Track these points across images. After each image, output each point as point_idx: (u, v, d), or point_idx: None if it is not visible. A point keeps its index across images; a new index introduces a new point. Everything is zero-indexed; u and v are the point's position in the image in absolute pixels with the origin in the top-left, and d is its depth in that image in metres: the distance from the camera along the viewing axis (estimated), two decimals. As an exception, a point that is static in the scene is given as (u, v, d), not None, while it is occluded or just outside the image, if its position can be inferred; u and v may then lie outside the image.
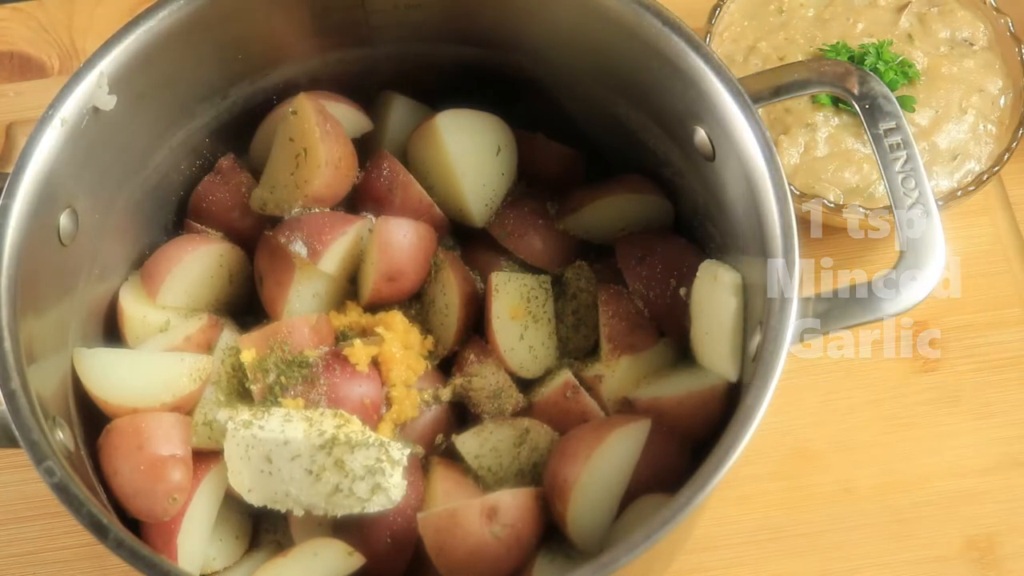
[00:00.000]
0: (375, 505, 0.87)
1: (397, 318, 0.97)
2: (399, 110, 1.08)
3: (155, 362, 0.94)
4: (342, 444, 0.86)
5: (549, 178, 1.07)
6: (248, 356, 0.93)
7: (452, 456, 0.96)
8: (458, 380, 0.98)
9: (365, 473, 0.86)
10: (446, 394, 0.98)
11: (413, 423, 0.96)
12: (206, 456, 0.92)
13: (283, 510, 0.88)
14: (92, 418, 0.93)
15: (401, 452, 0.88)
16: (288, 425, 0.87)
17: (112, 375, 0.92)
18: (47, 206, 0.87)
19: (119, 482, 0.89)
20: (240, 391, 0.95)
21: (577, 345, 1.00)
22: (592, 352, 1.00)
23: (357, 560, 0.88)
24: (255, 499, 0.88)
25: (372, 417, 0.93)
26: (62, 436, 0.86)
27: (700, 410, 0.93)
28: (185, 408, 0.93)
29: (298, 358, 0.93)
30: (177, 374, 0.93)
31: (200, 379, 0.94)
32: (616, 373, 0.96)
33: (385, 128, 1.07)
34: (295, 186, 0.99)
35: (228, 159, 1.04)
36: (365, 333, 0.97)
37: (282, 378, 0.92)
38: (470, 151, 1.01)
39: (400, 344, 0.96)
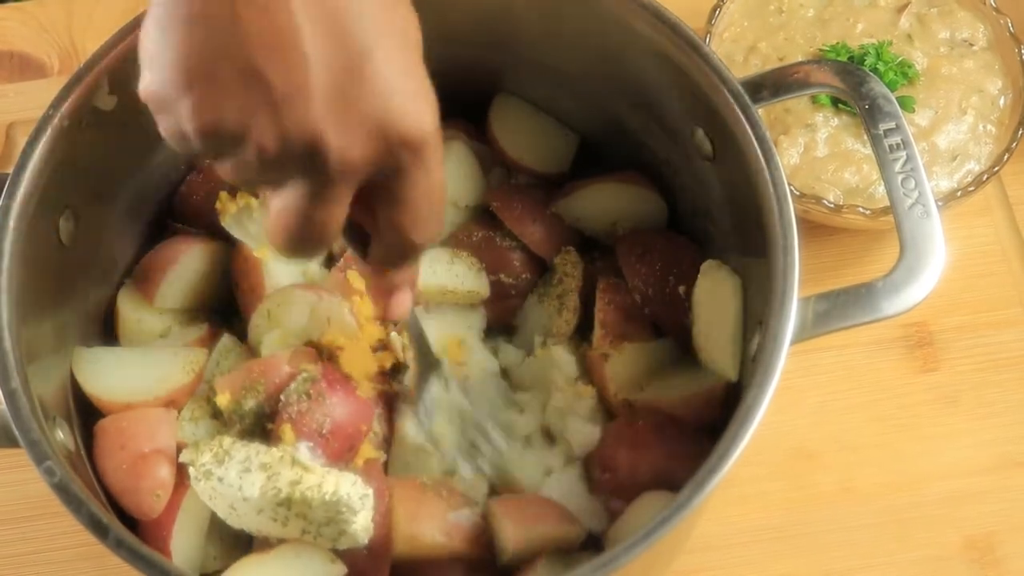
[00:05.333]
0: (343, 544, 0.87)
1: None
2: None
3: (148, 356, 0.95)
4: (298, 502, 0.85)
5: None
6: (223, 400, 0.91)
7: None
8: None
9: (328, 521, 0.86)
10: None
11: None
12: None
13: (259, 536, 0.89)
14: (92, 418, 0.93)
15: (361, 501, 0.86)
16: (246, 478, 0.86)
17: (105, 371, 0.93)
18: (47, 206, 0.87)
19: (108, 482, 0.89)
20: None
21: (559, 329, 1.00)
22: (571, 338, 1.01)
23: (339, 569, 0.87)
24: (232, 524, 0.88)
25: (357, 443, 0.92)
26: (62, 436, 0.86)
27: (701, 411, 0.93)
28: (180, 402, 0.93)
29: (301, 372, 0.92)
30: (171, 367, 0.93)
31: (194, 371, 0.93)
32: (622, 356, 0.96)
33: None
34: None
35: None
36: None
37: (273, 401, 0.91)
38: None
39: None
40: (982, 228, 1.18)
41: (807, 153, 1.12)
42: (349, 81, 0.64)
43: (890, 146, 0.87)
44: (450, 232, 1.05)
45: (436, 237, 0.76)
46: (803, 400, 1.10)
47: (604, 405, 0.97)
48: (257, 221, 0.99)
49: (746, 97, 0.86)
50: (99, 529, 0.76)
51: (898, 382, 1.11)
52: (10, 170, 0.85)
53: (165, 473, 0.89)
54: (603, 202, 1.04)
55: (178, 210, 1.05)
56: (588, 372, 0.98)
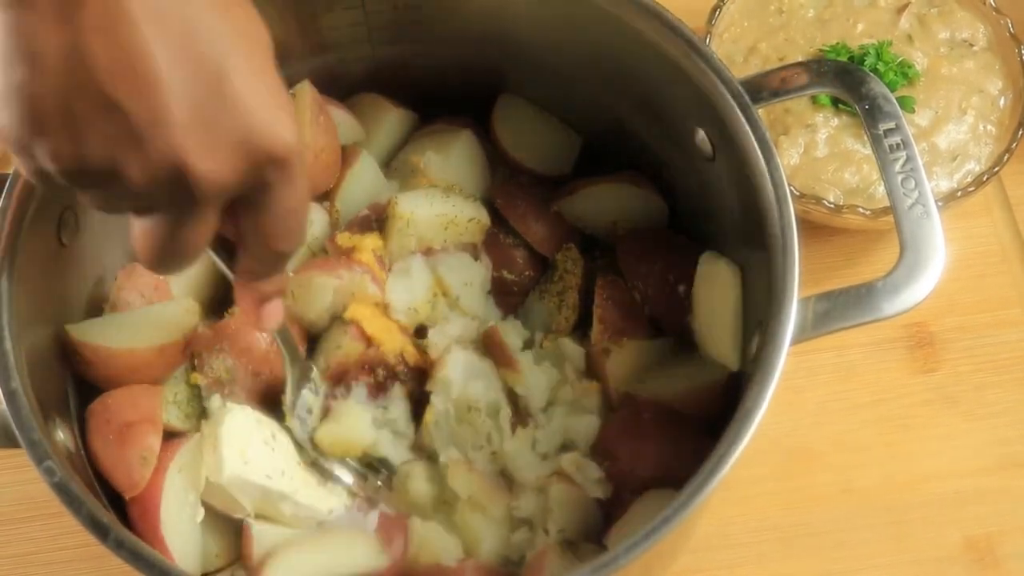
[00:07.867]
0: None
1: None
2: (388, 119, 1.08)
3: (144, 313, 0.97)
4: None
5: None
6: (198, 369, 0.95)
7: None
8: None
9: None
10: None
11: None
12: (177, 436, 0.93)
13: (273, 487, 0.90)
14: (92, 418, 0.93)
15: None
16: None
17: (104, 328, 0.93)
18: (47, 206, 0.87)
19: (101, 464, 0.89)
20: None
21: (559, 326, 1.01)
22: (571, 333, 1.01)
23: (385, 560, 0.91)
24: (252, 473, 0.89)
25: None
26: (62, 436, 0.86)
27: (702, 405, 0.93)
28: (180, 352, 0.95)
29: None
30: (168, 316, 0.95)
31: (195, 316, 0.95)
32: (623, 351, 0.96)
33: (371, 135, 1.08)
34: None
35: None
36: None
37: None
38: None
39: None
40: (982, 228, 1.18)
41: (807, 153, 1.12)
42: (209, 102, 0.61)
43: (890, 146, 0.87)
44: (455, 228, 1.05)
45: (301, 245, 0.75)
46: (803, 400, 1.10)
47: (606, 399, 0.97)
48: None
49: (746, 97, 0.86)
50: (99, 529, 0.76)
51: (898, 382, 1.12)
52: (10, 170, 0.85)
53: (151, 439, 0.89)
54: (604, 202, 1.04)
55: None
56: (590, 367, 0.98)
